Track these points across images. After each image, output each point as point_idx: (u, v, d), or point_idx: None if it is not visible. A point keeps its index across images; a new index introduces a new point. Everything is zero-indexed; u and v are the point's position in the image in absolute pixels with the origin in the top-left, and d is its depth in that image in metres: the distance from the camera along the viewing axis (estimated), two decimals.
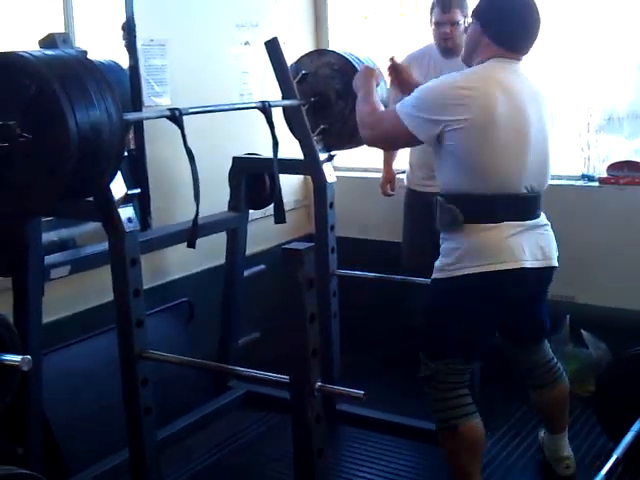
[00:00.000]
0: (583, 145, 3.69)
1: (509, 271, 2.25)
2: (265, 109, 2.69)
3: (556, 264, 2.37)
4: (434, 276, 2.37)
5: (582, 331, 3.48)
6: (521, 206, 2.30)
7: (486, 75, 2.29)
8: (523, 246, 2.27)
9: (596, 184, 3.59)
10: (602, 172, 3.61)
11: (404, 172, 3.67)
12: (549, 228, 2.39)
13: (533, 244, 2.31)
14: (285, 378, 2.02)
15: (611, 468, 2.44)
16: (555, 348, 3.44)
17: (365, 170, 4.20)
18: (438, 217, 2.35)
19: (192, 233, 2.48)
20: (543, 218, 2.37)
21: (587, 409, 3.22)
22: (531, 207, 2.33)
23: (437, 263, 2.36)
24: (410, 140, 2.34)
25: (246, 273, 3.41)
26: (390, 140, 2.50)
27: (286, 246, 1.97)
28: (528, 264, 2.27)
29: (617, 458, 2.48)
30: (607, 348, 3.43)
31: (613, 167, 3.55)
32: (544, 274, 2.36)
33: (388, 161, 3.68)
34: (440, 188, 2.37)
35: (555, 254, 2.38)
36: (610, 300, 3.50)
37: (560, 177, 3.66)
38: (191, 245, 2.49)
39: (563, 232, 2.41)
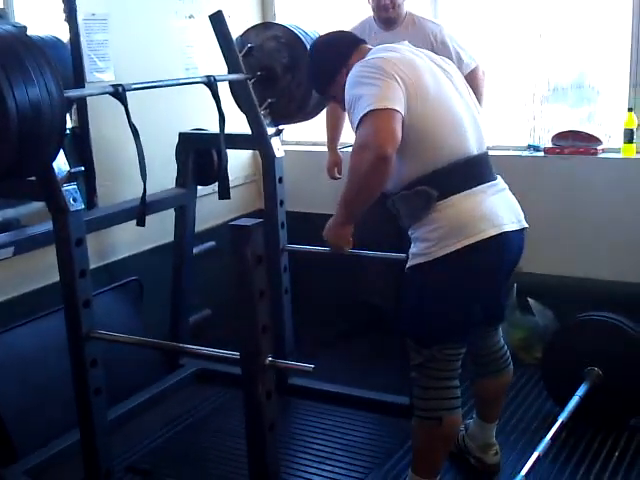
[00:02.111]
0: (529, 116, 3.74)
1: (492, 238, 2.15)
2: (211, 84, 2.66)
3: (527, 225, 2.30)
4: (413, 263, 2.23)
5: (529, 299, 3.54)
6: (479, 167, 2.23)
7: (387, 53, 2.25)
8: (497, 210, 2.19)
9: (541, 154, 3.64)
10: (547, 142, 3.66)
11: (350, 146, 3.66)
12: (509, 191, 2.33)
13: (505, 207, 2.24)
14: (236, 354, 2.02)
15: (556, 432, 2.50)
16: None
17: (314, 144, 4.19)
18: (406, 210, 2.22)
19: (141, 211, 2.45)
20: (502, 181, 2.31)
21: (534, 376, 3.31)
22: (487, 166, 2.26)
23: (414, 250, 2.23)
24: (399, 123, 2.08)
25: (196, 250, 3.40)
26: (391, 134, 2.05)
27: (234, 223, 1.96)
28: (507, 227, 2.19)
29: (562, 422, 2.55)
30: (553, 316, 3.50)
31: (558, 137, 3.59)
32: (521, 237, 2.29)
33: (333, 144, 3.66)
34: (395, 187, 2.22)
35: (522, 215, 2.31)
36: (556, 268, 3.58)
37: (507, 148, 3.71)
38: (140, 223, 2.46)
39: None
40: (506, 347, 2.60)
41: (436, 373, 2.27)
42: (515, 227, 2.23)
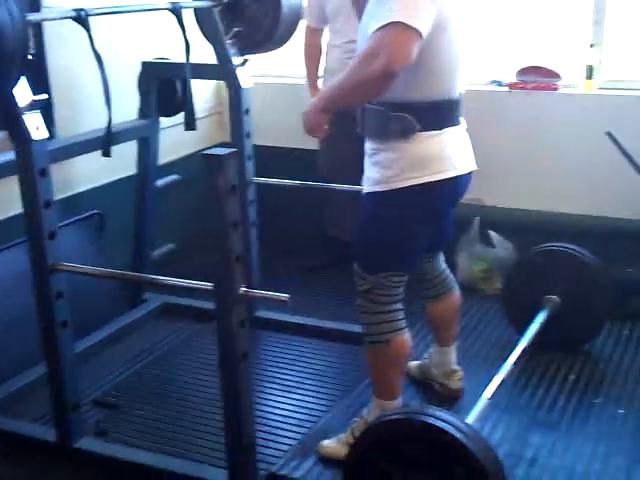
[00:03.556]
0: (493, 50, 3.72)
1: (450, 179, 2.23)
2: (175, 11, 2.59)
3: (476, 167, 2.37)
4: (372, 189, 2.25)
5: (490, 232, 3.61)
6: (455, 110, 2.26)
7: None
8: (459, 152, 2.27)
9: (505, 89, 3.65)
10: (511, 77, 3.65)
11: (320, 78, 3.62)
12: (466, 132, 2.37)
13: (464, 149, 2.31)
14: (209, 285, 2.01)
15: (519, 357, 2.57)
16: (464, 249, 3.61)
17: (280, 76, 4.12)
18: (379, 128, 2.21)
19: (106, 140, 2.39)
20: (464, 123, 2.35)
21: (494, 306, 3.39)
22: (459, 111, 2.30)
23: (374, 175, 2.24)
24: (418, 45, 1.98)
25: (159, 183, 3.35)
26: (406, 55, 1.96)
27: (206, 152, 1.94)
28: (462, 170, 2.28)
29: (523, 348, 2.62)
30: (513, 247, 3.57)
31: (522, 72, 3.60)
32: (470, 178, 2.36)
33: (314, 82, 3.60)
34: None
35: (473, 156, 2.38)
36: (517, 202, 3.64)
37: (470, 82, 3.69)
38: (106, 153, 2.41)
39: (472, 137, 2.40)
40: (448, 270, 2.67)
41: (382, 299, 2.33)
42: (468, 169, 2.32)
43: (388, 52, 1.94)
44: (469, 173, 2.34)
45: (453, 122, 2.26)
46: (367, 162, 2.30)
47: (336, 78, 2.16)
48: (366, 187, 2.30)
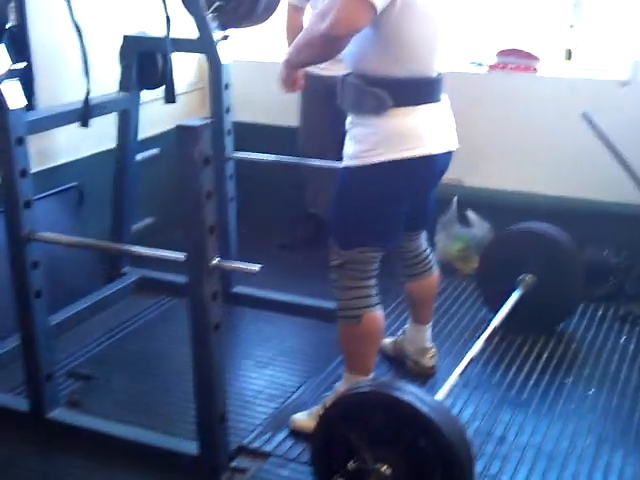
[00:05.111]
0: (474, 32, 3.74)
1: (424, 157, 2.23)
2: None
3: (456, 146, 2.37)
4: (347, 164, 2.28)
5: (468, 212, 3.64)
6: (432, 88, 2.26)
7: None
8: (435, 131, 2.27)
9: (485, 70, 3.67)
10: (491, 59, 3.68)
11: None
12: (449, 110, 2.37)
13: (442, 128, 2.31)
14: (182, 255, 2.03)
15: (489, 336, 2.59)
16: (443, 229, 3.64)
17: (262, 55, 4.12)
18: (354, 101, 2.24)
19: (84, 111, 2.39)
20: (446, 101, 2.35)
21: (470, 285, 3.43)
22: (439, 89, 2.30)
23: (349, 150, 2.27)
24: (367, 17, 2.04)
25: (139, 157, 3.34)
26: (351, 23, 2.02)
27: (181, 123, 1.95)
28: (439, 149, 2.28)
29: (495, 327, 2.64)
30: (491, 227, 3.60)
31: (502, 54, 3.64)
32: (449, 158, 2.36)
33: None
34: (356, 70, 2.23)
35: (455, 135, 2.38)
36: (495, 182, 3.67)
37: (450, 63, 3.70)
38: (84, 124, 2.41)
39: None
40: (429, 250, 2.69)
41: (355, 274, 2.35)
42: (447, 149, 2.32)
43: (335, 15, 2.01)
44: (449, 152, 2.33)
45: (430, 99, 2.25)
46: (347, 137, 2.32)
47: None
48: (342, 163, 2.32)
